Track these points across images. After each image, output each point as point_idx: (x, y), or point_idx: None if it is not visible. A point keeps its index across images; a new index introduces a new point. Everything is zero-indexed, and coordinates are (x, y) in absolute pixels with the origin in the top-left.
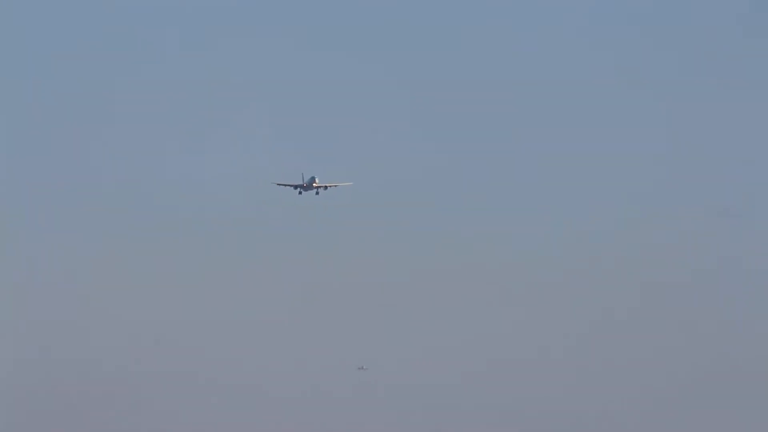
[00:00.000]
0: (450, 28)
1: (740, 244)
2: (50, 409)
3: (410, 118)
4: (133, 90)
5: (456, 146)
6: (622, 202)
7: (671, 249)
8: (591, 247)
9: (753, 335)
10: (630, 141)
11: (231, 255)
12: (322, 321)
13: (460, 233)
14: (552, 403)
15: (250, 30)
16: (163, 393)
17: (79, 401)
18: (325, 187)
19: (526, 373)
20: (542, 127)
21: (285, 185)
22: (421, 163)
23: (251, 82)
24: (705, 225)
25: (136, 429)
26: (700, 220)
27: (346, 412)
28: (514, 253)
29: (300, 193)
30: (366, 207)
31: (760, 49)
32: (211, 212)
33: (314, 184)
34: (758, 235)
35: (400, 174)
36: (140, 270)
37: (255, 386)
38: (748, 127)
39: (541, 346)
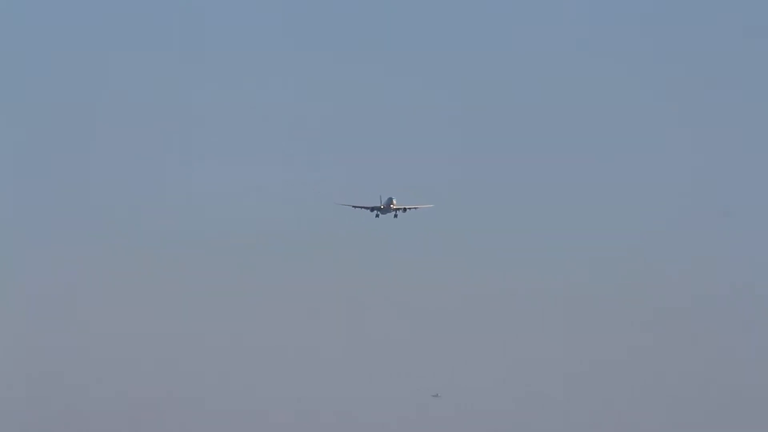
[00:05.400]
0: (527, 44)
1: None
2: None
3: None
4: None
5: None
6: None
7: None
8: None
9: None
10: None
11: (300, 276)
12: (397, 347)
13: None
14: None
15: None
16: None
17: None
18: (404, 209)
19: (605, 400)
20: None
21: (361, 207)
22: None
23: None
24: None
25: None
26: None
27: None
28: (598, 277)
29: (377, 216)
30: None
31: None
32: (282, 234)
33: (392, 206)
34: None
35: (479, 195)
36: (187, 287)
37: (326, 414)
38: None
39: (615, 369)
